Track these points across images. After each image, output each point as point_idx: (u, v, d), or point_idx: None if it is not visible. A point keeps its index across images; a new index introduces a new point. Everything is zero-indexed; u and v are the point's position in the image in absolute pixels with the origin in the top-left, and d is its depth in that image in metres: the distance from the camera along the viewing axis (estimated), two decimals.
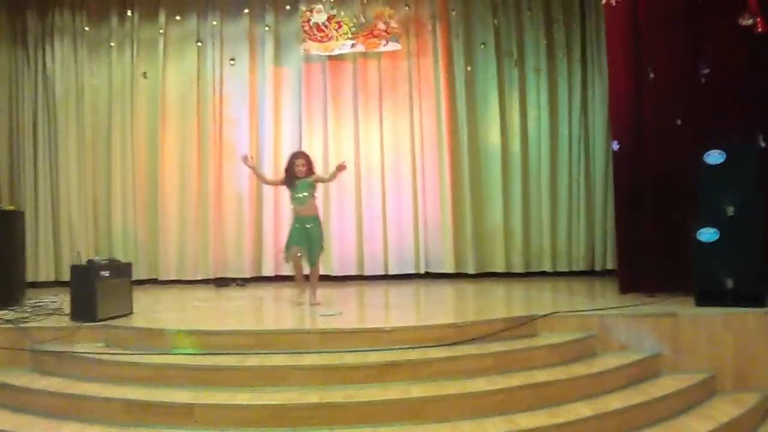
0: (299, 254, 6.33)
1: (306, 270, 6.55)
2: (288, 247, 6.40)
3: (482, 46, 8.65)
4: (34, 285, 7.87)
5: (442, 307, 6.68)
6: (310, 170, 6.43)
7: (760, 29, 6.15)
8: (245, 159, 6.70)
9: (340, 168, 6.38)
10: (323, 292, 7.06)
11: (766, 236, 5.68)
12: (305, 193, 6.37)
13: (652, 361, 5.19)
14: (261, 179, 7.43)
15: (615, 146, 6.71)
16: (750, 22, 6.16)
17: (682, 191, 6.36)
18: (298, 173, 6.36)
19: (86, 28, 8.49)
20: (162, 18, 8.58)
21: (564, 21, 8.64)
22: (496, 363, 4.77)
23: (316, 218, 6.45)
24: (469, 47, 8.68)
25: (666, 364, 5.24)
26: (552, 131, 8.61)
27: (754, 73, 6.29)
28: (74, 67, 8.55)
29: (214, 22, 8.61)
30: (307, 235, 6.34)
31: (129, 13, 8.55)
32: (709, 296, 5.65)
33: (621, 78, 6.69)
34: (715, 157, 5.87)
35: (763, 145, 6.15)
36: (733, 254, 5.62)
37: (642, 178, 6.54)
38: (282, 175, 6.61)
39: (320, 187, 8.00)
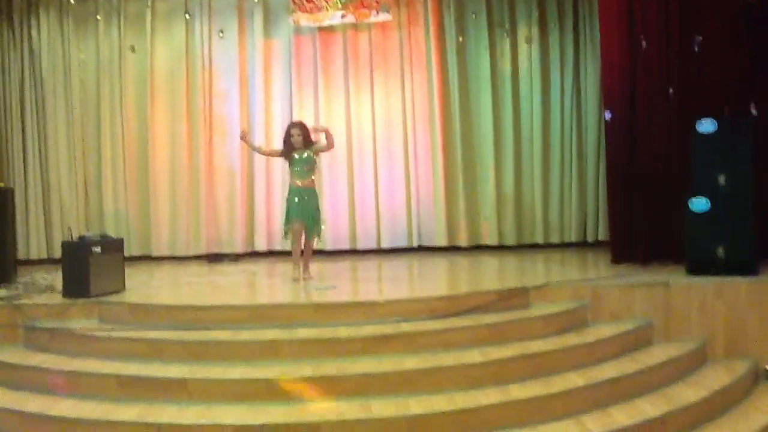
0: (301, 228, 6.16)
1: (280, 246, 6.50)
2: (288, 220, 6.19)
3: (473, 16, 8.55)
4: (26, 262, 7.85)
5: (435, 279, 6.70)
6: (307, 140, 6.22)
7: None
8: (242, 136, 6.60)
9: (324, 131, 6.22)
10: (316, 266, 7.09)
11: (758, 205, 5.70)
12: (305, 166, 6.20)
13: (644, 330, 5.23)
14: (258, 151, 7.10)
15: (607, 116, 6.70)
16: None
17: (674, 161, 6.38)
18: (295, 143, 6.18)
19: (72, 2, 8.34)
20: None
21: None
22: (489, 334, 4.80)
23: (314, 191, 6.29)
24: (461, 17, 8.58)
25: (658, 333, 5.29)
26: (544, 102, 8.55)
27: (747, 41, 6.28)
28: (61, 42, 8.43)
29: None
30: (308, 208, 6.18)
31: None
32: (700, 265, 5.69)
33: (614, 47, 6.65)
34: (706, 125, 5.87)
35: (755, 113, 6.15)
36: (724, 224, 5.65)
37: (634, 147, 6.54)
38: (279, 146, 6.47)
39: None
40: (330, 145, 6.36)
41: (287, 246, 6.97)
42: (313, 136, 6.29)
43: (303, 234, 6.21)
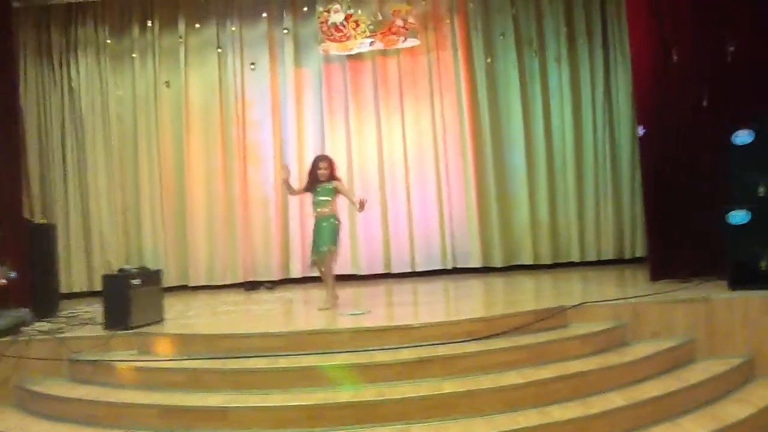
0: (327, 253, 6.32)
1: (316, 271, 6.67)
2: (317, 247, 6.38)
3: (501, 37, 8.59)
4: (68, 296, 8.01)
5: (471, 301, 6.66)
6: (332, 173, 6.45)
7: None
8: (285, 181, 6.59)
9: (362, 204, 6.29)
10: (351, 291, 7.20)
11: None
12: (326, 197, 6.41)
13: (686, 347, 5.12)
14: (290, 191, 6.93)
15: (641, 131, 6.61)
16: None
17: (711, 173, 6.26)
18: (321, 176, 6.39)
19: (108, 41, 8.61)
20: (182, 26, 8.66)
21: (584, 6, 8.53)
22: (527, 355, 4.74)
23: (327, 218, 6.39)
24: (489, 38, 8.63)
25: (701, 350, 5.16)
26: (575, 119, 8.52)
27: None
28: (98, 79, 8.69)
29: (233, 28, 8.67)
30: (328, 232, 6.34)
31: (149, 23, 8.65)
32: (742, 279, 5.55)
33: (644, 61, 6.58)
34: (743, 137, 5.78)
35: None
36: (766, 235, 5.52)
37: (669, 162, 6.44)
38: (305, 180, 6.64)
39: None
40: (355, 205, 6.42)
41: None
42: (356, 202, 6.36)
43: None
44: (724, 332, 5.23)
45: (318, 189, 6.42)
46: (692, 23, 6.44)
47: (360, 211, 6.55)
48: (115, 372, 4.93)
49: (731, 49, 6.31)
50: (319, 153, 8.41)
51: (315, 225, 6.44)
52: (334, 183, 6.47)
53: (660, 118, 6.51)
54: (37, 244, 6.55)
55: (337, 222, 6.45)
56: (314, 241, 6.41)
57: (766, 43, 6.20)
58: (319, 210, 6.41)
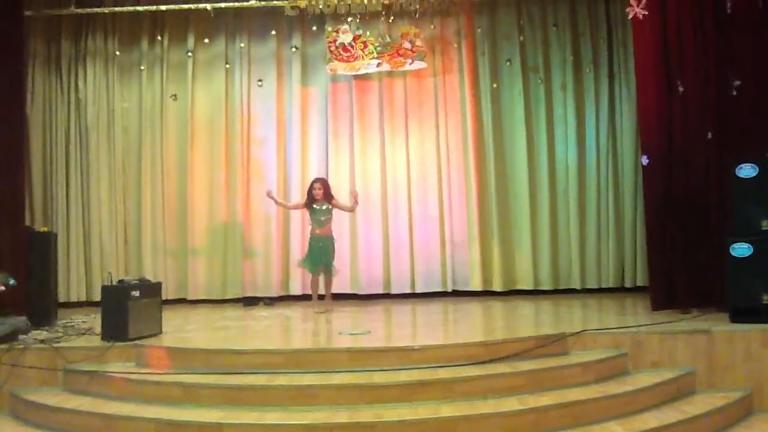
0: (317, 271, 7.36)
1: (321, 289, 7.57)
2: (306, 261, 7.44)
3: (508, 63, 8.63)
4: (66, 305, 7.98)
5: (470, 325, 6.64)
6: (326, 194, 7.33)
7: None
8: (269, 194, 7.64)
9: (354, 196, 7.50)
10: (350, 310, 7.33)
11: None
12: (323, 217, 7.30)
13: (686, 378, 5.10)
14: (286, 207, 8.12)
15: (644, 161, 6.63)
16: None
17: (714, 205, 6.29)
18: (315, 196, 7.28)
19: (117, 53, 8.66)
20: (191, 41, 8.71)
21: (590, 36, 8.58)
22: (527, 381, 4.72)
23: (330, 237, 7.40)
24: (495, 64, 8.68)
25: (701, 382, 5.15)
26: (579, 147, 8.55)
27: None
28: (106, 91, 8.72)
29: (242, 45, 8.72)
30: (325, 252, 7.33)
31: (159, 37, 8.71)
32: (744, 312, 5.54)
33: (650, 92, 6.62)
34: (747, 170, 5.80)
35: None
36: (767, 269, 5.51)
37: (673, 192, 6.45)
38: (303, 198, 7.61)
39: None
40: (351, 209, 7.72)
41: (321, 290, 7.62)
42: (349, 199, 7.60)
43: (320, 273, 7.40)
44: (725, 365, 5.21)
45: (317, 208, 7.31)
46: (698, 56, 6.49)
47: (356, 204, 7.59)
48: (111, 384, 4.90)
49: (736, 83, 6.36)
50: (322, 170, 8.57)
51: (316, 242, 7.35)
52: (331, 203, 7.36)
53: (664, 149, 6.53)
54: (37, 252, 6.53)
55: (335, 240, 7.48)
56: (322, 259, 7.33)
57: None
58: (319, 229, 7.31)
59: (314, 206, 7.32)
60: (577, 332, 5.31)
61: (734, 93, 6.37)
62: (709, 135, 6.39)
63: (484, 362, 4.89)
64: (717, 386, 5.13)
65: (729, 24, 6.40)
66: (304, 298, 8.32)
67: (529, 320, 6.67)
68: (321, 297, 7.56)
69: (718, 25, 6.45)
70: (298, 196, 8.40)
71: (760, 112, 6.27)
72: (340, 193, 7.94)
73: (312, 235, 7.42)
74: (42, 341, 5.53)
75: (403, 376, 4.69)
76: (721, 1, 6.45)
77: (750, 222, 5.72)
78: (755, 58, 6.31)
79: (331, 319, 6.81)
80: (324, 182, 7.50)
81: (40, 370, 5.18)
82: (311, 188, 7.39)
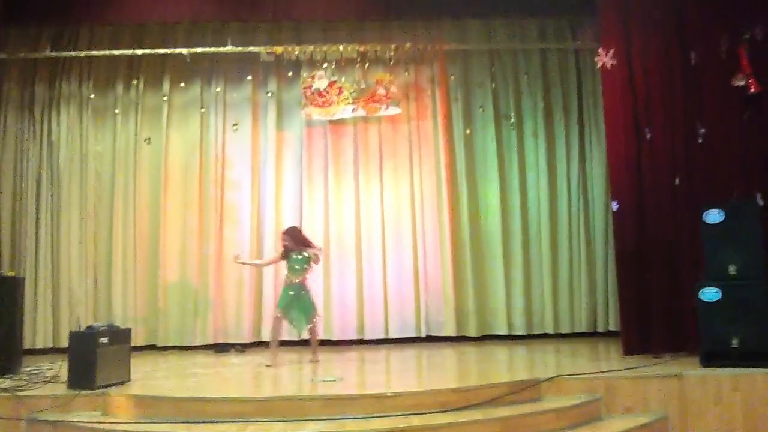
0: (283, 319, 6.94)
1: (287, 335, 7.38)
2: (280, 308, 6.98)
3: (481, 110, 8.78)
4: (31, 352, 7.77)
5: (444, 371, 6.58)
6: (297, 242, 7.07)
7: (752, 89, 6.30)
8: (236, 259, 7.34)
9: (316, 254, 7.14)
10: (324, 356, 7.21)
11: None
12: (303, 266, 7.01)
13: (659, 423, 5.12)
14: (260, 266, 7.97)
15: (615, 206, 6.74)
16: (743, 82, 6.33)
17: (683, 250, 6.39)
18: (286, 248, 7.05)
19: (92, 96, 8.63)
20: (166, 85, 8.73)
21: (561, 85, 8.77)
22: (501, 428, 4.70)
23: (303, 286, 7.01)
24: (468, 111, 8.82)
25: (674, 427, 5.18)
26: (551, 192, 8.66)
27: (750, 132, 6.40)
28: (79, 134, 8.65)
29: (218, 89, 8.76)
30: (297, 303, 6.93)
31: (134, 80, 8.72)
32: (715, 356, 5.60)
33: (619, 139, 6.78)
34: (714, 216, 5.91)
35: (761, 203, 6.19)
36: (737, 313, 5.60)
37: (643, 237, 6.56)
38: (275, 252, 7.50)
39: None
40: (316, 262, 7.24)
41: (293, 335, 7.44)
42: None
43: (283, 323, 7.02)
44: (697, 409, 5.24)
45: (294, 257, 7.00)
46: (665, 105, 6.69)
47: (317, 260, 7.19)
48: None
49: (702, 131, 6.53)
50: (296, 215, 8.56)
51: (291, 293, 6.94)
52: (308, 252, 7.05)
53: (634, 195, 6.66)
54: (3, 298, 6.38)
55: (309, 292, 7.09)
56: (302, 312, 6.93)
57: (735, 125, 6.44)
58: (294, 277, 6.99)
59: (291, 255, 7.01)
60: (551, 378, 5.30)
61: (700, 140, 6.54)
62: (677, 181, 6.53)
63: (458, 409, 4.85)
64: (690, 431, 5.13)
65: (694, 73, 6.61)
66: (281, 344, 8.20)
67: (503, 366, 6.66)
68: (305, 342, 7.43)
69: (684, 74, 6.66)
70: (271, 240, 8.36)
71: (725, 158, 6.43)
72: (314, 240, 7.93)
73: (288, 283, 7.03)
74: (5, 389, 5.37)
75: (377, 424, 4.63)
76: (686, 51, 6.67)
77: (719, 267, 5.80)
78: (720, 106, 6.49)
79: (302, 366, 6.74)
80: (291, 232, 7.17)
81: (2, 420, 5.01)
82: (281, 240, 7.18)
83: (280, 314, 6.92)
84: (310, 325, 7.00)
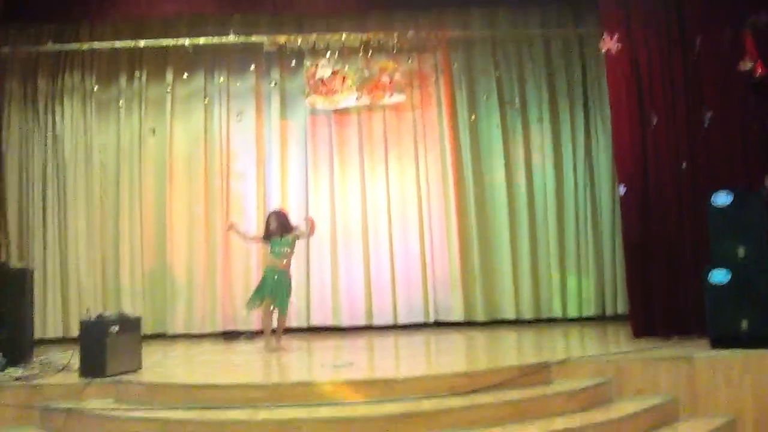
0: (271, 304, 6.90)
1: (294, 321, 7.41)
2: (260, 296, 6.96)
3: (485, 97, 8.76)
4: (42, 341, 7.78)
5: (454, 355, 6.62)
6: (283, 227, 7.02)
7: (759, 72, 6.28)
8: (230, 226, 7.42)
9: (310, 223, 7.12)
10: (333, 343, 7.25)
11: None
12: (286, 249, 6.99)
13: (669, 405, 5.12)
14: (244, 238, 7.68)
15: (622, 190, 6.74)
16: (749, 66, 6.30)
17: (691, 233, 6.39)
18: (272, 231, 7.01)
19: (95, 89, 8.62)
20: (170, 76, 8.71)
21: (565, 71, 8.75)
22: (512, 411, 4.70)
23: (287, 272, 7.02)
24: (472, 97, 8.79)
25: (684, 408, 5.17)
26: (557, 178, 8.65)
27: (756, 115, 6.38)
28: (83, 127, 8.65)
29: (221, 79, 8.75)
30: (281, 287, 6.91)
31: (137, 72, 8.71)
32: (724, 338, 5.60)
33: (624, 124, 6.76)
34: (721, 198, 5.91)
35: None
36: (746, 295, 5.61)
37: (650, 221, 6.56)
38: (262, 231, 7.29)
39: (326, 237, 8.31)
40: (309, 233, 7.19)
41: (301, 322, 7.75)
42: (303, 224, 7.19)
43: (272, 308, 6.94)
44: (707, 391, 5.24)
45: (276, 240, 6.98)
46: (670, 89, 6.66)
47: (312, 229, 7.14)
48: (89, 421, 4.79)
49: (708, 114, 6.52)
50: (302, 203, 8.58)
51: (273, 276, 6.92)
52: (292, 235, 7.03)
53: (640, 179, 6.66)
54: (13, 289, 6.42)
55: (291, 278, 7.10)
56: (278, 294, 6.88)
57: (741, 108, 6.43)
58: (278, 261, 6.96)
59: (273, 239, 7.00)
60: (561, 361, 5.32)
61: (706, 124, 6.53)
62: (684, 165, 6.52)
63: (468, 393, 4.86)
64: (700, 412, 5.16)
65: (699, 57, 6.59)
66: (285, 332, 8.23)
67: (512, 350, 6.68)
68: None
69: (688, 58, 6.63)
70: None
71: (732, 141, 6.42)
72: (319, 223, 7.95)
73: (269, 265, 7.06)
74: (18, 379, 5.41)
75: (388, 409, 4.65)
76: (689, 37, 6.65)
77: (727, 249, 5.80)
78: (726, 89, 6.48)
79: (313, 352, 6.76)
80: (279, 214, 7.18)
81: (17, 408, 5.05)
82: (268, 223, 7.13)
83: (269, 299, 6.90)
84: (284, 308, 6.99)
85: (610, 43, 6.84)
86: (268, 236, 7.06)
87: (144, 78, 8.74)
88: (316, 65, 8.59)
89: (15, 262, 7.81)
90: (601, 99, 8.45)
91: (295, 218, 7.55)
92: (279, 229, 7.00)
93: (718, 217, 5.91)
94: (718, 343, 5.61)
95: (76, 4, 8.08)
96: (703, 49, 6.58)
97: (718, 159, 6.45)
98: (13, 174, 8.46)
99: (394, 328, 8.39)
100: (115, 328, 5.54)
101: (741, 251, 5.78)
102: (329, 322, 8.35)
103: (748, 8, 6.46)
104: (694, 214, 6.36)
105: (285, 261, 7.00)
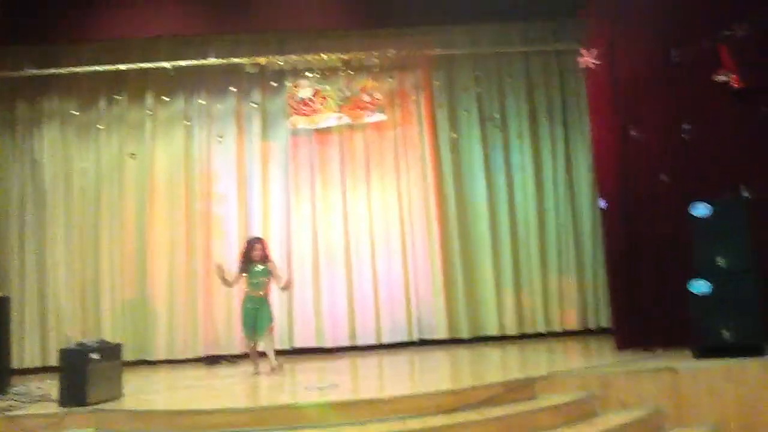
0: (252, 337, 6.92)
1: (278, 344, 7.32)
2: (246, 328, 6.98)
3: (465, 113, 8.80)
4: (19, 371, 7.65)
5: (438, 373, 6.58)
6: (265, 255, 7.00)
7: (735, 85, 6.37)
8: (219, 268, 6.99)
9: (287, 284, 7.07)
10: (316, 364, 7.22)
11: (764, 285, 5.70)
12: (263, 278, 6.93)
13: (654, 417, 5.13)
14: (227, 284, 7.14)
15: (603, 204, 6.79)
16: (725, 78, 6.39)
17: (672, 245, 6.42)
18: (255, 257, 6.91)
19: (75, 112, 8.57)
20: (150, 100, 8.67)
21: (544, 86, 8.83)
22: (498, 428, 4.70)
23: (264, 299, 6.97)
24: (453, 115, 8.83)
25: (669, 420, 5.19)
26: (538, 193, 8.69)
27: (733, 127, 6.46)
28: (62, 151, 8.58)
29: (202, 102, 8.72)
30: (260, 316, 6.88)
31: (117, 95, 8.66)
32: (707, 349, 5.63)
33: (604, 137, 6.83)
34: (701, 209, 5.95)
35: (746, 195, 6.25)
36: (728, 305, 5.65)
37: (631, 234, 6.60)
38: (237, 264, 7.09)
39: (308, 258, 8.34)
40: (284, 285, 7.03)
41: (284, 345, 7.73)
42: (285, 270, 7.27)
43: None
44: (691, 402, 5.27)
45: (254, 270, 6.93)
46: (649, 102, 6.74)
47: (284, 290, 7.16)
48: None
49: (687, 127, 6.59)
50: (284, 225, 8.54)
51: (251, 305, 6.91)
52: (269, 264, 6.99)
53: (621, 192, 6.71)
54: None
55: (270, 305, 7.03)
56: (255, 324, 6.86)
57: (719, 121, 6.51)
58: (256, 291, 6.93)
59: (252, 267, 6.92)
60: (545, 376, 5.31)
61: (685, 137, 6.59)
62: (664, 177, 6.57)
63: (454, 410, 4.84)
64: (685, 423, 5.17)
65: (678, 70, 6.66)
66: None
67: (497, 366, 6.67)
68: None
69: (667, 71, 6.71)
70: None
71: (711, 153, 6.49)
72: (303, 249, 8.00)
73: (247, 294, 6.99)
74: None
75: (373, 429, 4.61)
76: (669, 50, 6.73)
77: (708, 260, 5.84)
78: (705, 101, 6.56)
79: (297, 374, 6.69)
80: (263, 242, 7.14)
81: None
82: (251, 248, 6.97)
83: (249, 334, 6.94)
84: (264, 335, 6.91)
85: (588, 58, 6.91)
86: (248, 262, 6.96)
87: (124, 101, 8.69)
88: (297, 86, 8.60)
89: None
90: (580, 113, 8.53)
91: (276, 242, 7.58)
92: (261, 256, 6.94)
93: (699, 227, 5.95)
94: (701, 353, 5.64)
95: (57, 27, 8.03)
96: (683, 62, 6.67)
97: (697, 170, 6.51)
98: None
99: (379, 347, 8.34)
100: (96, 356, 5.46)
101: (721, 261, 5.81)
102: (312, 343, 8.30)
103: (725, 21, 6.56)
104: (675, 225, 6.40)
105: (262, 291, 6.96)
